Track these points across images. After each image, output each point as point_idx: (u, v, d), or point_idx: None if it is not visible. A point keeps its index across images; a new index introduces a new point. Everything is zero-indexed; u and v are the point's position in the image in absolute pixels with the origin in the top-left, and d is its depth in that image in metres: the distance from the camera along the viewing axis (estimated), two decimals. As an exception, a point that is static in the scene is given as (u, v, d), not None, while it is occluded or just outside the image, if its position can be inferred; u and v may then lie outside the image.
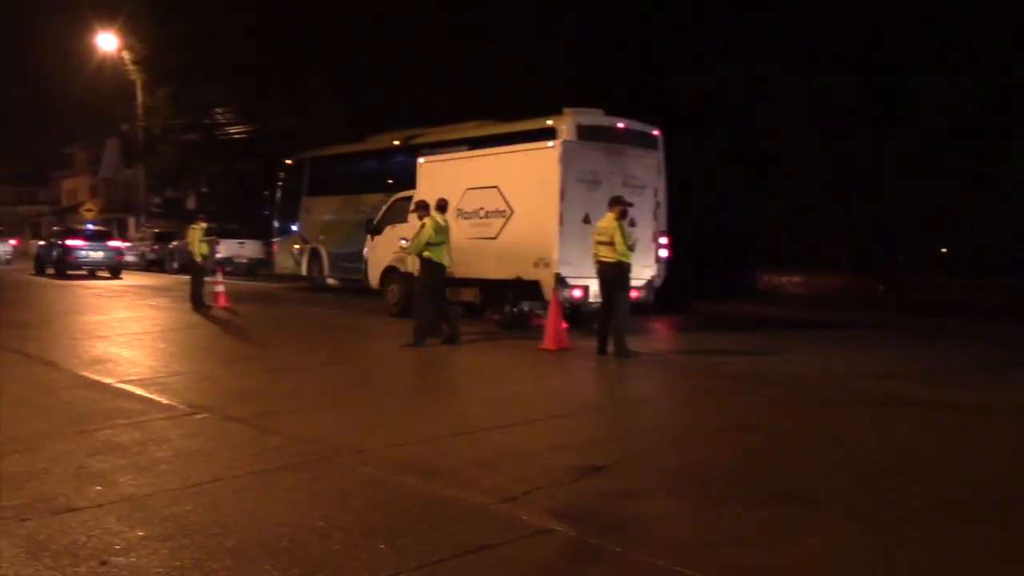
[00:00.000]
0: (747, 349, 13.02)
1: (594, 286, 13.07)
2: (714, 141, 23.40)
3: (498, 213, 14.42)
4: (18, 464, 5.79)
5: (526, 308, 14.34)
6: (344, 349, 12.25)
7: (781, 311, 19.43)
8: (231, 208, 36.47)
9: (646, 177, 14.47)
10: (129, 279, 28.80)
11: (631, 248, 11.35)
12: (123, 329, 13.99)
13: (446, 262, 12.57)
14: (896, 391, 9.40)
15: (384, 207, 17.87)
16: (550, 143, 14.25)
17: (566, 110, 17.32)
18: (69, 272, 29.41)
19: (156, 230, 37.60)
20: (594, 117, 17.62)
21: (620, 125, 17.83)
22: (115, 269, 30.01)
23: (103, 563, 4.11)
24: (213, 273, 18.57)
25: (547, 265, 13.49)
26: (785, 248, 24.66)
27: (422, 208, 12.62)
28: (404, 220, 16.08)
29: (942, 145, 21.28)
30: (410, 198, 15.96)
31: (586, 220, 13.37)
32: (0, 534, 4.47)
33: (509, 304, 14.46)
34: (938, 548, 4.59)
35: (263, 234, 30.37)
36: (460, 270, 14.17)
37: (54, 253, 30.26)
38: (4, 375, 9.53)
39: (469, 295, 15.22)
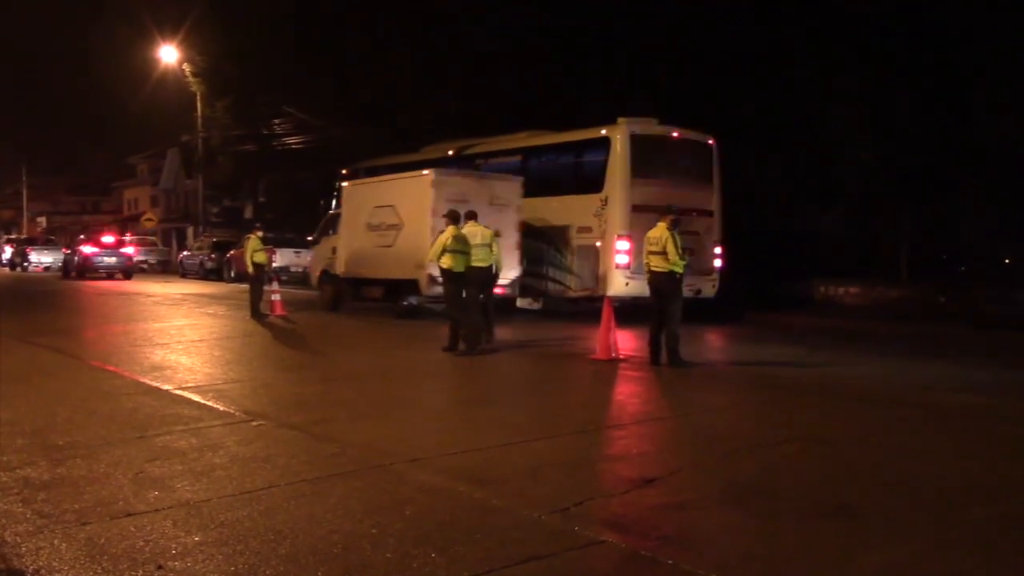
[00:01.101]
0: (803, 360, 12.83)
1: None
2: (772, 149, 23.12)
3: (394, 227, 17.54)
4: (79, 468, 5.91)
5: (414, 302, 17.32)
6: (397, 357, 12.31)
7: (839, 322, 19.12)
8: (288, 218, 36.93)
9: (509, 197, 17.20)
10: (187, 287, 29.29)
11: (683, 257, 11.27)
12: (181, 336, 14.22)
13: (484, 266, 13.00)
14: (959, 404, 9.19)
15: (322, 222, 21.40)
16: (425, 172, 17.19)
17: (620, 120, 17.29)
18: (88, 275, 34.06)
19: (214, 239, 38.17)
20: (648, 126, 17.57)
21: (674, 134, 17.76)
22: (127, 272, 34.91)
23: (160, 567, 4.17)
24: (270, 282, 18.82)
25: (422, 267, 16.00)
26: (843, 258, 24.25)
27: (451, 217, 12.77)
28: (335, 232, 19.80)
29: (1006, 153, 20.79)
30: (339, 215, 19.86)
31: None
32: (61, 537, 4.56)
33: (401, 299, 17.49)
34: (1000, 568, 4.47)
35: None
36: (370, 271, 18.21)
37: (76, 259, 35.60)
38: (68, 381, 9.76)
39: (377, 292, 18.38)
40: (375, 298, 18.44)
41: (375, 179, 19.69)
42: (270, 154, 37.46)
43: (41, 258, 44.50)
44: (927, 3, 21.42)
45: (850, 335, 16.94)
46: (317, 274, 20.99)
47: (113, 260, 34.84)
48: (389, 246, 17.66)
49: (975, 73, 21.36)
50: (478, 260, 12.85)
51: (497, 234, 14.77)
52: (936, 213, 23.33)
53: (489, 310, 13.30)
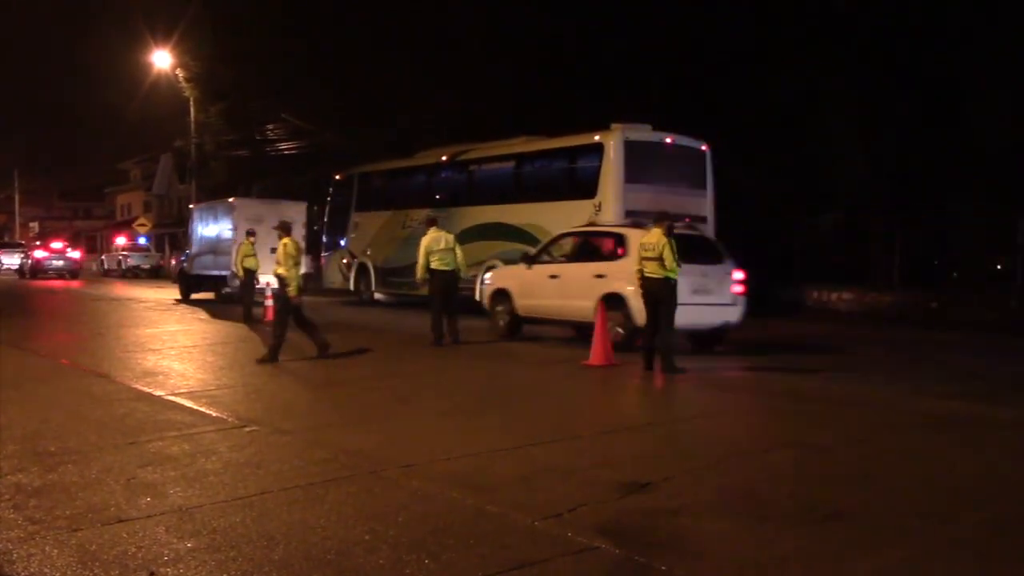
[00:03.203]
0: (796, 366, 12.83)
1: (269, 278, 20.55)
2: (767, 153, 23.11)
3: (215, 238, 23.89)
4: (71, 475, 5.88)
5: (229, 290, 22.85)
6: (388, 363, 12.29)
7: (831, 328, 19.15)
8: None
9: (295, 217, 20.89)
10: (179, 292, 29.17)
11: (679, 263, 11.27)
12: (174, 342, 14.18)
13: (447, 270, 13.90)
14: (950, 409, 9.20)
15: (181, 234, 28.59)
16: (230, 199, 24.41)
17: (614, 125, 17.29)
18: (39, 276, 38.96)
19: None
20: (642, 132, 17.57)
21: (668, 140, 17.76)
22: (74, 273, 40.12)
23: (151, 574, 4.16)
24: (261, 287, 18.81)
25: (229, 268, 22.01)
26: (836, 264, 24.26)
27: (283, 228, 12.80)
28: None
29: (1001, 159, 20.82)
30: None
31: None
32: (53, 544, 4.54)
33: (219, 290, 23.82)
34: (993, 573, 4.48)
35: (312, 249, 30.63)
36: (203, 270, 24.74)
37: (28, 262, 40.95)
38: (60, 387, 9.72)
39: (208, 285, 24.54)
40: (207, 289, 24.64)
41: (209, 203, 26.53)
42: (264, 159, 37.37)
43: (12, 262, 46.44)
44: (925, 5, 21.45)
45: (842, 340, 16.95)
46: (177, 272, 30.08)
47: (61, 263, 40.03)
48: (213, 252, 24.38)
49: (972, 75, 21.36)
50: (441, 263, 13.77)
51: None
52: (930, 218, 23.36)
53: (453, 311, 13.92)
